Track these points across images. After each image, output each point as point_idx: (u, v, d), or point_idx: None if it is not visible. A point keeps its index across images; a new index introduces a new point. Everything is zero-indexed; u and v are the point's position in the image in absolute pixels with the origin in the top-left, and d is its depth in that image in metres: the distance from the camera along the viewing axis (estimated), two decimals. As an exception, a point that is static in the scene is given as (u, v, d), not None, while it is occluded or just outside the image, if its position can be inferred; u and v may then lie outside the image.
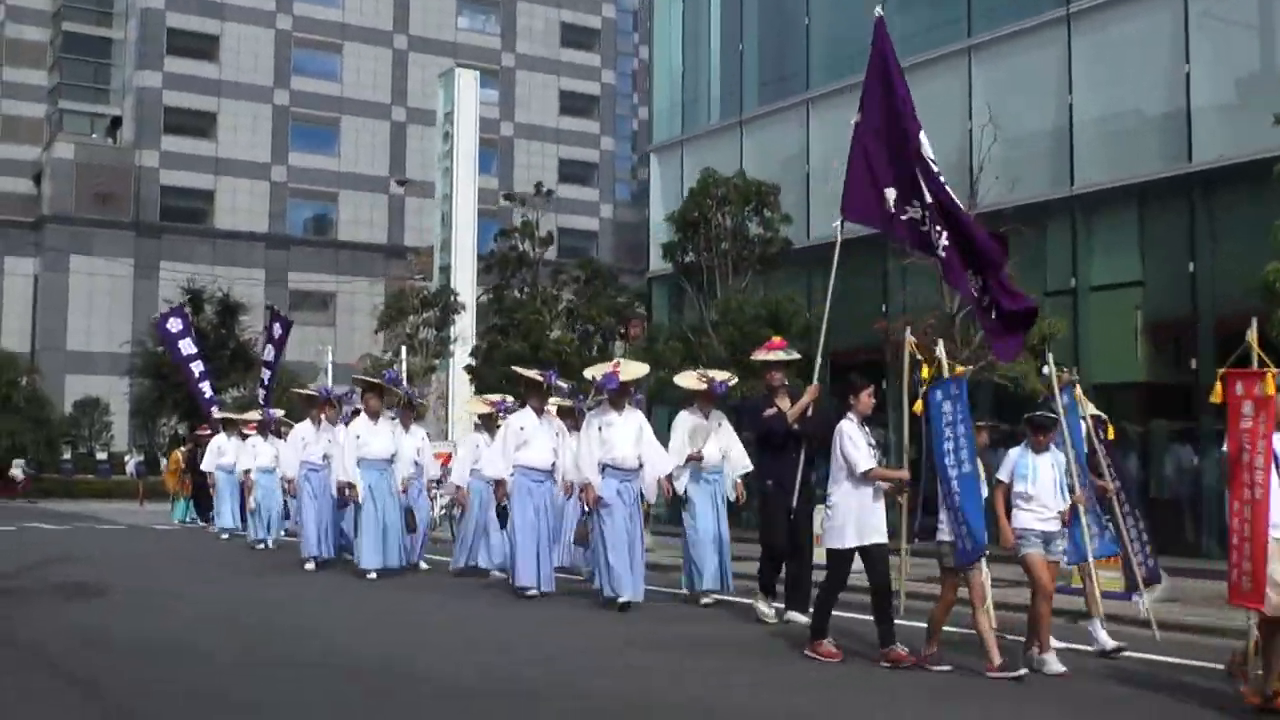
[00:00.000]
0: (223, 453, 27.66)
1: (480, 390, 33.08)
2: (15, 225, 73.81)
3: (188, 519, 34.17)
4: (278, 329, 33.84)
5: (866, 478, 10.64)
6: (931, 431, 10.47)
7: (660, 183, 36.29)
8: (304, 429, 21.03)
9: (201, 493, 32.26)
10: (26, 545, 24.25)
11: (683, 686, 9.79)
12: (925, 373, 10.82)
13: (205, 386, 35.54)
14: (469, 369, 36.14)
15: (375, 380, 19.42)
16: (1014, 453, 10.74)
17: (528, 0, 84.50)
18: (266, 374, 33.82)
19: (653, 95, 37.78)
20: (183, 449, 37.10)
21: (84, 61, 79.81)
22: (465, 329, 41.49)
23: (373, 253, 76.20)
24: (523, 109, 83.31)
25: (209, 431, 31.85)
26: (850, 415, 10.88)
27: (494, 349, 33.11)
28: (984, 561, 10.34)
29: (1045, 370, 11.91)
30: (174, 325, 36.25)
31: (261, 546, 24.12)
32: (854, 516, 10.67)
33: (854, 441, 10.69)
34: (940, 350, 10.89)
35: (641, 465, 14.73)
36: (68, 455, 58.51)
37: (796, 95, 31.55)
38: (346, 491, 17.87)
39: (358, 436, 17.91)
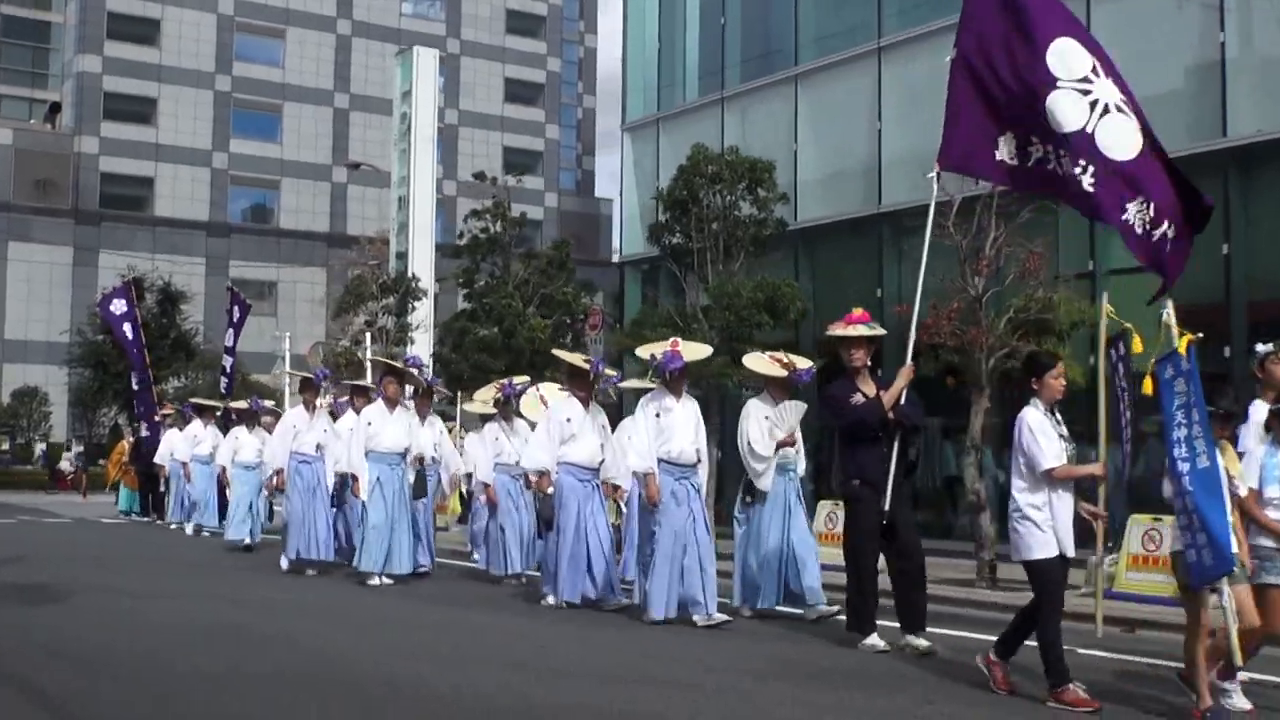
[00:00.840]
0: (199, 442, 25.77)
1: (448, 381, 31.57)
2: (-49, 212, 71.64)
3: (132, 511, 32.41)
4: (237, 312, 32.13)
5: (1050, 478, 8.85)
6: (1162, 417, 8.50)
7: (634, 162, 34.81)
8: (296, 416, 18.91)
9: (149, 485, 30.67)
10: (-25, 542, 22.66)
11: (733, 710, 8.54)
12: (1137, 345, 9.14)
13: (134, 377, 34.05)
14: (435, 357, 34.62)
15: (396, 364, 17.51)
16: (1260, 450, 8.74)
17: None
18: (228, 361, 32.13)
19: (626, 72, 36.19)
20: (129, 439, 35.36)
21: (22, 45, 78.11)
22: (424, 316, 39.98)
23: (314, 241, 74.78)
24: (467, 96, 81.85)
25: (170, 413, 30.14)
26: (1035, 401, 9.10)
27: (464, 334, 31.48)
28: (1226, 581, 8.12)
29: (1259, 349, 9.88)
30: (118, 307, 34.68)
31: (244, 547, 22.05)
32: (1054, 521, 8.85)
33: (1036, 434, 8.86)
34: (1169, 315, 9.00)
35: (700, 460, 13.04)
36: (6, 446, 56.84)
37: (783, 70, 30.20)
38: (350, 484, 16.19)
39: (369, 424, 16.06)
